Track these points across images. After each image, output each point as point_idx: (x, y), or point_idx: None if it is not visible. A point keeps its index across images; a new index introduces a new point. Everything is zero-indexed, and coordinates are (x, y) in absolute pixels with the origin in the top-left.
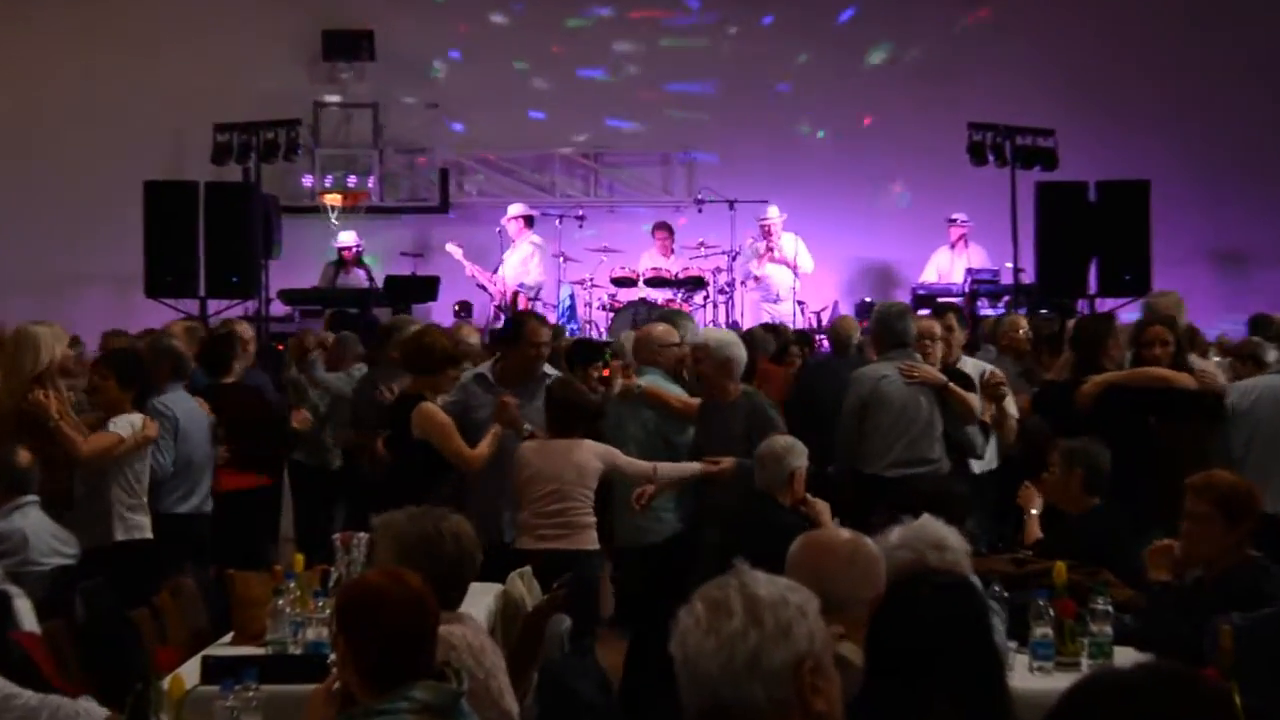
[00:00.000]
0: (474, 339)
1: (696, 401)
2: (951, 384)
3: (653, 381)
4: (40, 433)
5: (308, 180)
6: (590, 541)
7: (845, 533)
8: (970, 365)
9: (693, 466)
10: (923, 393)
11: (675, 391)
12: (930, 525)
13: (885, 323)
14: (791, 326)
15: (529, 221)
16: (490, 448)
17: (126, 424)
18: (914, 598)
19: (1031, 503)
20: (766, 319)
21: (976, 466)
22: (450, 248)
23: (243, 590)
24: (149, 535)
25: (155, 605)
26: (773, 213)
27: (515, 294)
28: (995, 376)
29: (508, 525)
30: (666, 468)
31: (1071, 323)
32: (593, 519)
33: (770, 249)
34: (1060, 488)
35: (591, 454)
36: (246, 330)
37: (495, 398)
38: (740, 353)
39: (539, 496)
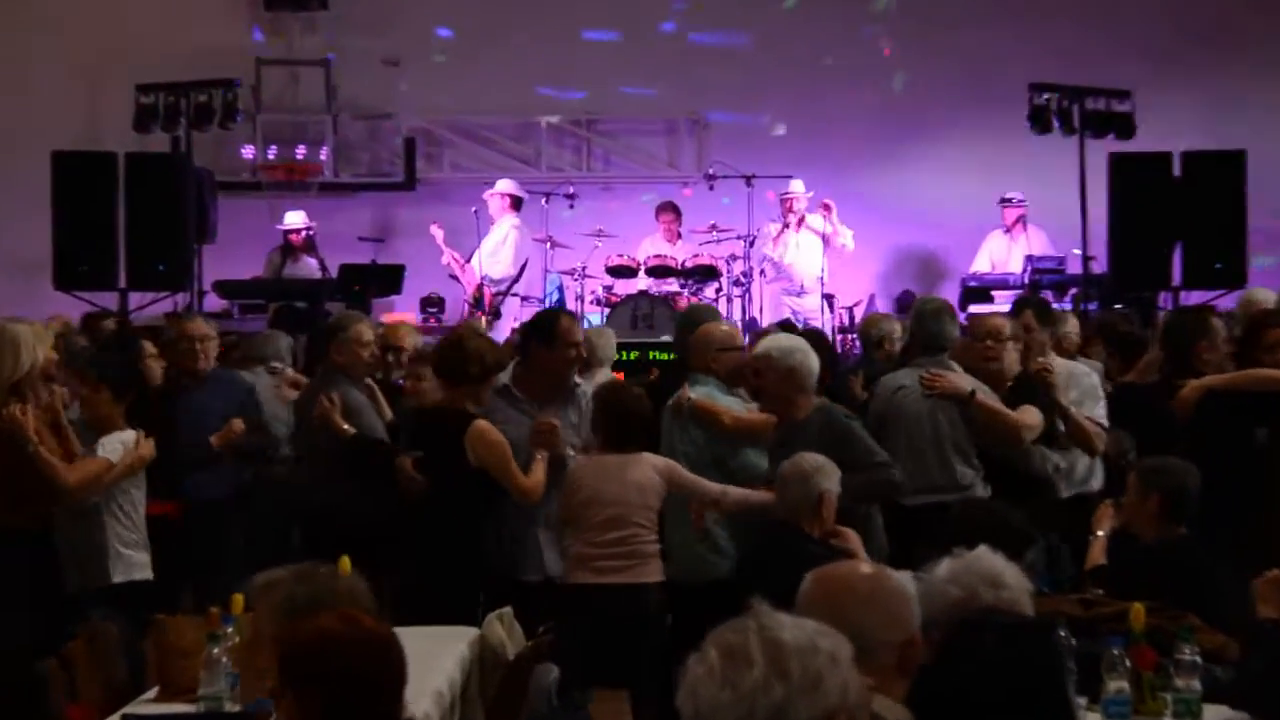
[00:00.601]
0: (410, 341)
1: (759, 417)
2: (981, 395)
3: (706, 394)
4: (13, 457)
5: (248, 151)
6: (656, 573)
7: (864, 566)
8: (1064, 369)
9: (766, 495)
10: (942, 407)
11: (730, 404)
12: (985, 558)
13: (918, 320)
14: (821, 324)
15: (516, 204)
16: (543, 475)
17: (117, 444)
18: (978, 643)
19: (1100, 523)
20: (788, 314)
21: (1065, 489)
22: (434, 230)
23: (171, 637)
24: (150, 575)
25: (65, 655)
26: (797, 187)
27: (480, 287)
28: (1040, 365)
29: (547, 559)
30: (738, 493)
31: (1163, 316)
32: (657, 545)
33: (786, 225)
34: (1137, 512)
35: (652, 470)
36: (149, 346)
37: (523, 414)
38: (808, 360)
39: (597, 523)
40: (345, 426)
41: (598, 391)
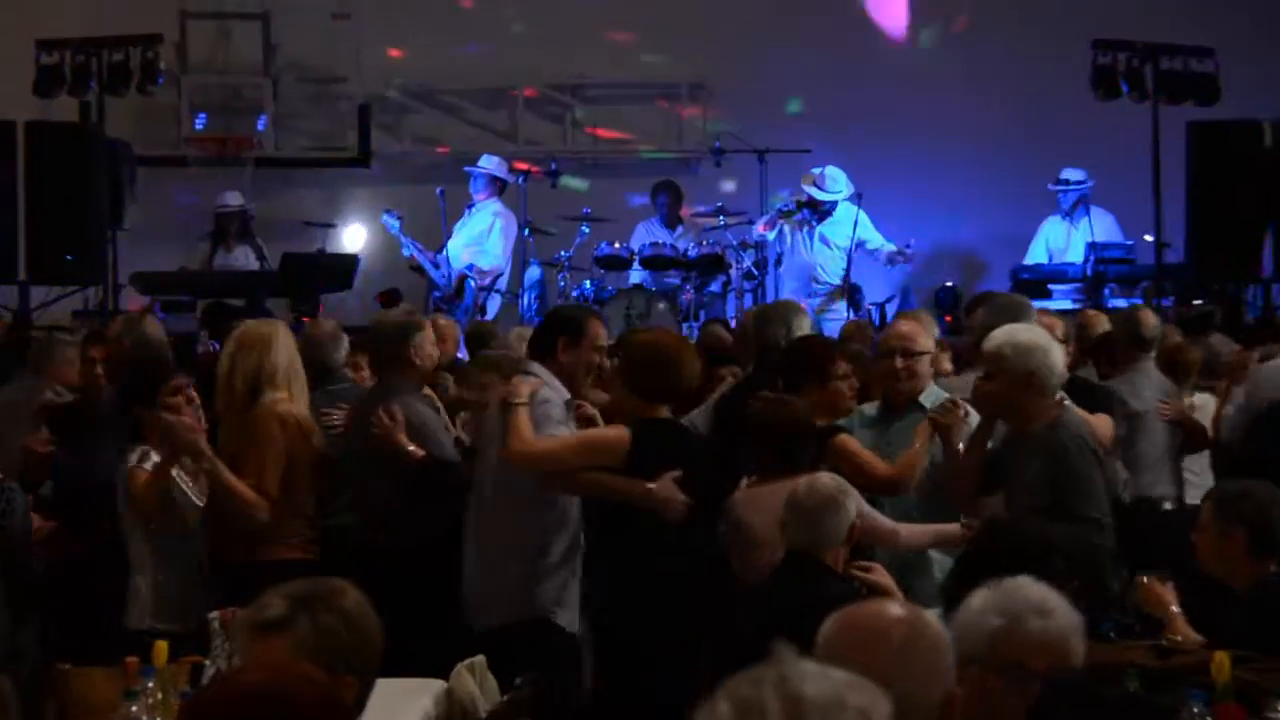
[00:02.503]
0: (338, 350)
1: (911, 465)
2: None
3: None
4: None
5: (175, 121)
6: None
7: (896, 607)
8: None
9: (951, 529)
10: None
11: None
12: (1027, 585)
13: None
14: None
15: (502, 188)
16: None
17: None
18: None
19: (1162, 603)
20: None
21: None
22: (386, 220)
23: (81, 691)
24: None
25: None
26: (834, 183)
27: (463, 278)
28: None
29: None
30: (916, 531)
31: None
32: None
33: (813, 212)
34: (1215, 552)
35: None
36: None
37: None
38: (1050, 360)
39: (763, 567)
40: (412, 447)
41: (753, 404)
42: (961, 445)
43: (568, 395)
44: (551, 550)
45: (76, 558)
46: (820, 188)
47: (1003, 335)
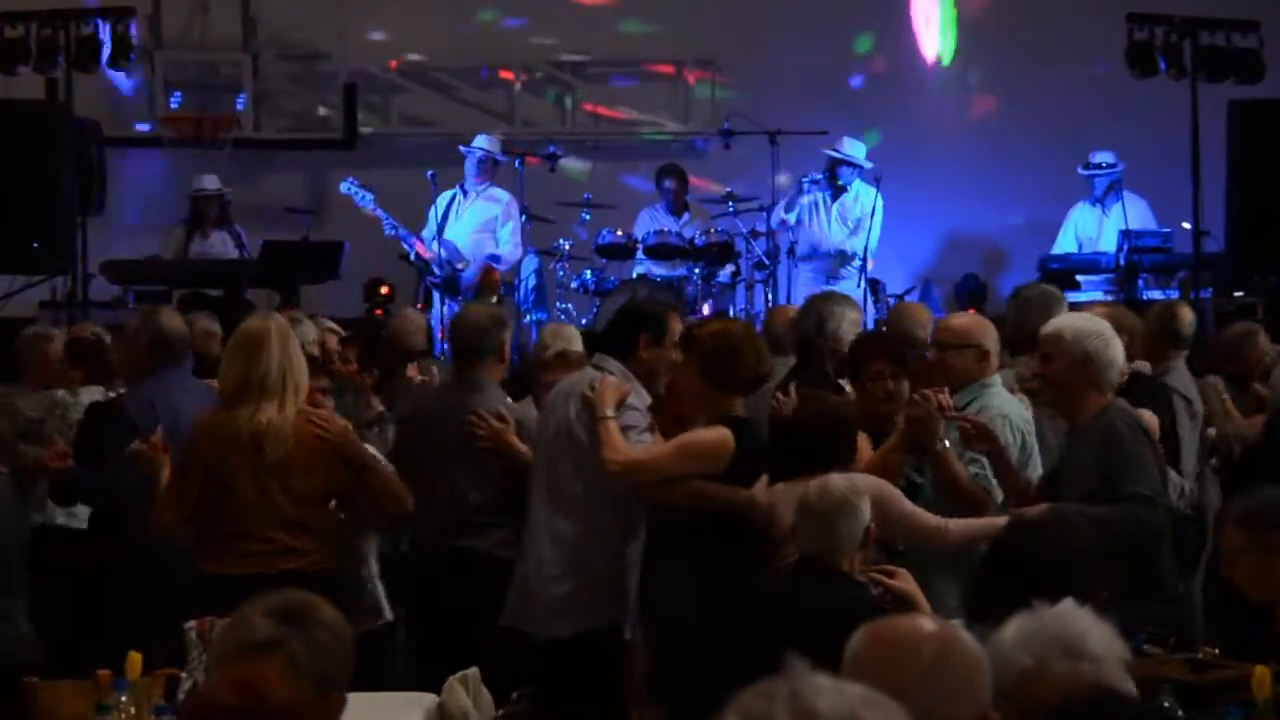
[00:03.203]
0: (311, 338)
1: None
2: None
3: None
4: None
5: (146, 99)
6: None
7: (929, 622)
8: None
9: (998, 523)
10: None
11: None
12: (1063, 616)
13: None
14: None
15: (495, 169)
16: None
17: None
18: None
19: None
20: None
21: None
22: (350, 189)
23: (49, 705)
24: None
25: None
26: (855, 150)
27: (487, 269)
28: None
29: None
30: (962, 525)
31: None
32: None
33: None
34: (1254, 571)
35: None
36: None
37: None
38: (1107, 349)
39: (785, 568)
40: (524, 449)
41: (777, 405)
42: (943, 446)
43: (647, 396)
44: (629, 556)
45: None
46: (837, 150)
47: (1062, 319)
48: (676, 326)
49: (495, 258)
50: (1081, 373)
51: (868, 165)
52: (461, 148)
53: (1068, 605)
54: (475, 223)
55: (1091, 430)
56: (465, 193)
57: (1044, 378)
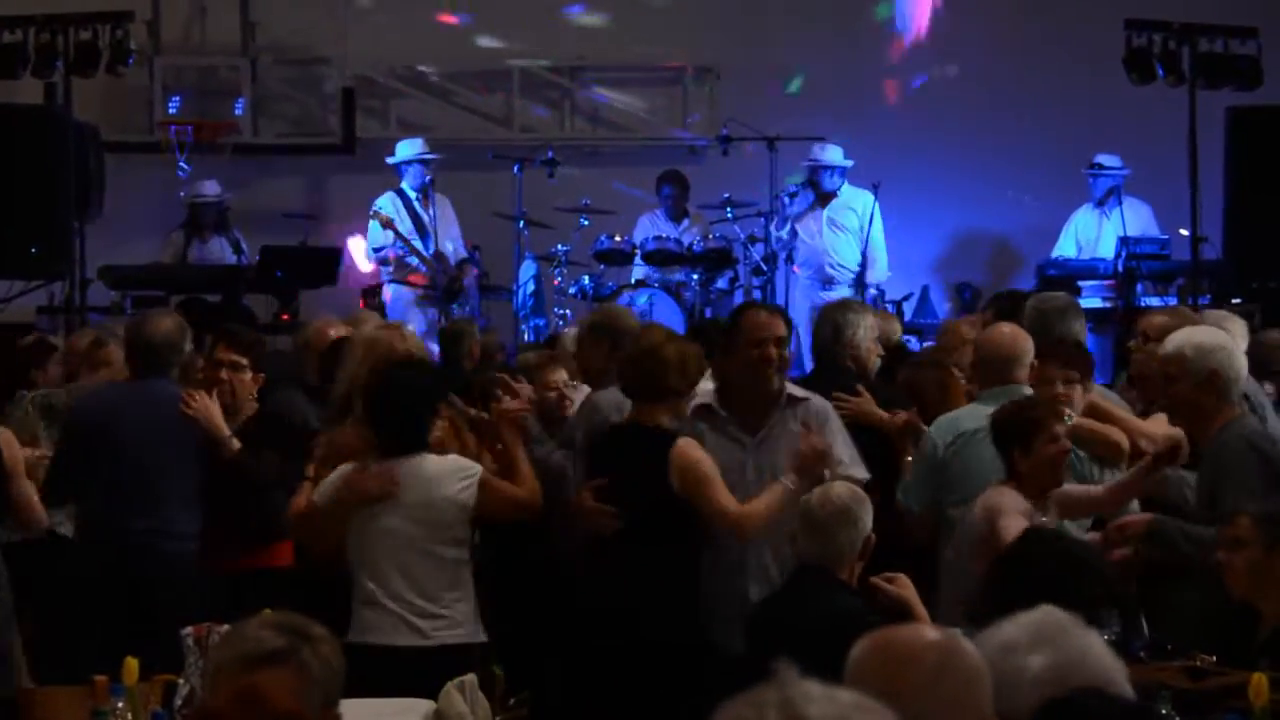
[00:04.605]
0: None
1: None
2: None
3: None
4: None
5: (147, 104)
6: None
7: (931, 631)
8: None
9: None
10: None
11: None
12: (1061, 625)
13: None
14: None
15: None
16: (771, 510)
17: None
18: None
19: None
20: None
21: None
22: (380, 219)
23: (45, 712)
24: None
25: None
26: (832, 155)
27: (464, 262)
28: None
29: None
30: (1104, 489)
31: None
32: None
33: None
34: (1258, 576)
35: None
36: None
37: (729, 439)
38: (1230, 362)
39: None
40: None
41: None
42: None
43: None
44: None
45: None
46: (817, 158)
47: (1182, 336)
48: (753, 317)
49: (474, 257)
50: (1207, 390)
51: (848, 164)
52: (420, 155)
53: (1065, 619)
54: (446, 227)
55: (1215, 451)
56: (430, 197)
57: (1169, 399)
